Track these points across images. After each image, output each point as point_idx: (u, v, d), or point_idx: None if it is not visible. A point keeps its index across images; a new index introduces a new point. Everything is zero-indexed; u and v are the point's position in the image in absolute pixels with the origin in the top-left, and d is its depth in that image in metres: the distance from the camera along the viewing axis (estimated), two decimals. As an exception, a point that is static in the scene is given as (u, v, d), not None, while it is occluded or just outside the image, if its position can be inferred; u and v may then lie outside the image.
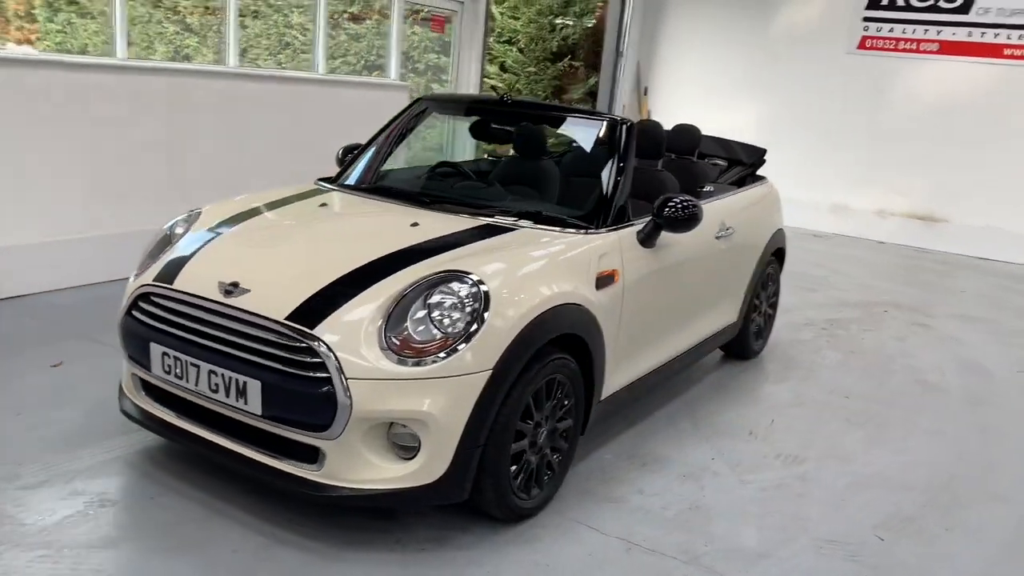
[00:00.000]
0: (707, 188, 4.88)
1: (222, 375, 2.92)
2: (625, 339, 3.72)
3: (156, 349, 3.09)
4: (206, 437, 3.09)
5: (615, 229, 3.68)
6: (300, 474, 2.89)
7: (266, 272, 3.11)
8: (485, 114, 4.52)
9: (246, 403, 2.90)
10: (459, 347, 2.85)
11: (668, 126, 4.99)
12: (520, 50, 12.79)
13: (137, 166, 5.87)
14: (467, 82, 9.10)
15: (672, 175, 4.74)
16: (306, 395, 2.80)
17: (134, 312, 3.24)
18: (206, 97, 6.23)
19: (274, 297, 2.95)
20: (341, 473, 2.84)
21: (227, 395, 2.94)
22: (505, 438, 3.01)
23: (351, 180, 4.17)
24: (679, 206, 3.74)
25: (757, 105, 11.25)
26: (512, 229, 3.52)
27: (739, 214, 4.85)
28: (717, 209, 4.57)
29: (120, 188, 5.79)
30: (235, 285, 3.03)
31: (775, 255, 5.43)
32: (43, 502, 3.07)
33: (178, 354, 3.03)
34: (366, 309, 2.90)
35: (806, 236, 10.08)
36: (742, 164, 5.52)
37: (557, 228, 3.56)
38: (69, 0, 17.74)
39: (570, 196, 4.04)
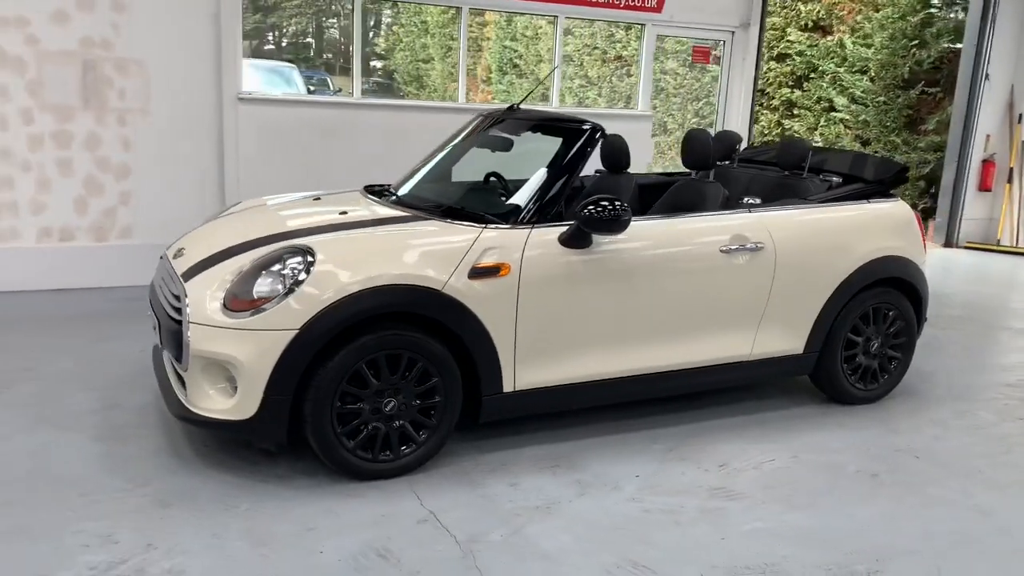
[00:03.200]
0: (748, 200, 4.48)
1: (158, 317, 3.82)
2: (534, 335, 3.77)
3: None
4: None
5: (525, 227, 3.78)
6: (179, 399, 3.64)
7: (204, 244, 3.93)
8: (491, 123, 4.75)
9: (161, 343, 3.76)
10: (267, 307, 3.36)
11: None
12: (871, 79, 11.80)
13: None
14: (737, 114, 8.88)
15: (721, 186, 4.51)
16: (174, 333, 3.56)
17: None
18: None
19: (190, 260, 3.77)
20: (195, 400, 3.52)
21: (157, 335, 3.83)
22: (325, 395, 3.41)
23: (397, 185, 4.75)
24: (597, 207, 3.70)
25: None
26: (412, 220, 3.86)
27: (795, 232, 4.36)
28: (733, 222, 4.22)
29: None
30: (181, 251, 3.92)
31: (890, 285, 4.66)
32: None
33: (154, 299, 4.00)
34: (226, 270, 3.56)
35: None
36: (863, 181, 4.84)
37: (470, 223, 3.78)
38: (512, 65, 20.91)
39: (505, 196, 4.17)
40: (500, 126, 4.56)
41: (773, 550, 3.20)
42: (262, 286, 3.44)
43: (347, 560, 3.00)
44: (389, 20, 27.48)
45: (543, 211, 3.85)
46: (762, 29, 8.67)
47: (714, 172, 5.36)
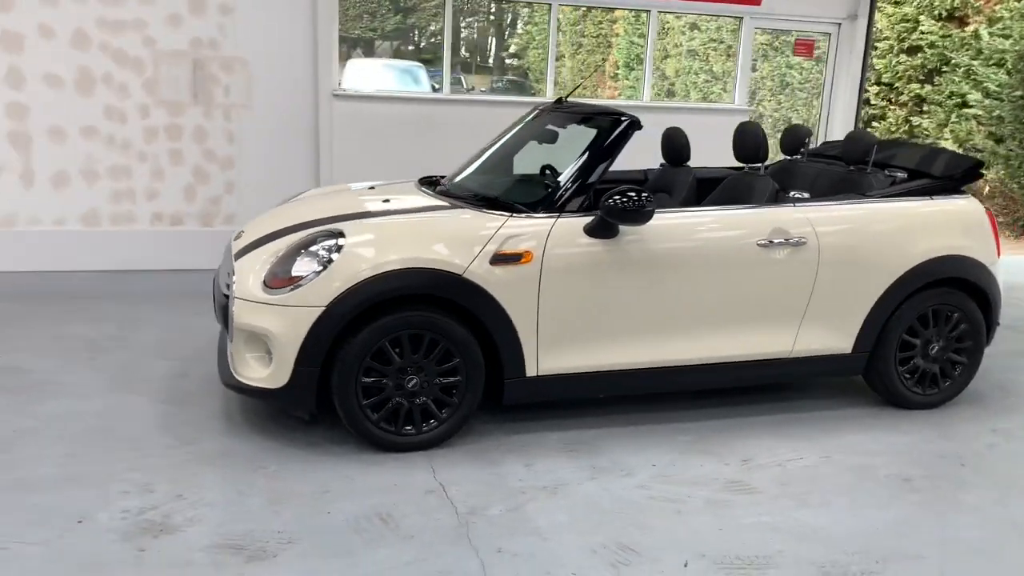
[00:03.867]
0: (795, 194, 4.38)
1: (215, 295, 4.17)
2: (557, 322, 3.87)
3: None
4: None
5: (551, 216, 3.88)
6: (228, 368, 3.96)
7: (259, 228, 4.24)
8: (542, 116, 4.82)
9: (217, 318, 4.11)
10: (302, 285, 3.62)
11: None
12: (1008, 72, 11.04)
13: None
14: (842, 109, 8.55)
15: (771, 180, 4.46)
16: (224, 307, 3.89)
17: None
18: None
19: (244, 242, 4.10)
20: (238, 369, 3.83)
21: (215, 311, 4.19)
22: (350, 369, 3.64)
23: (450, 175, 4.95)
24: (621, 198, 3.77)
25: None
26: (446, 208, 4.04)
27: (842, 228, 4.25)
28: (773, 216, 4.16)
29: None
30: (240, 234, 4.26)
31: (954, 286, 4.46)
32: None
33: (217, 279, 4.37)
34: (270, 250, 3.86)
35: None
36: (930, 176, 4.63)
37: (499, 212, 3.92)
38: (639, 61, 20.99)
39: (541, 186, 4.25)
40: (549, 118, 4.66)
41: (769, 544, 3.18)
42: (299, 266, 3.70)
43: (350, 521, 3.21)
44: (524, 19, 27.89)
45: (570, 201, 3.94)
46: (871, 22, 8.32)
47: (781, 167, 5.29)
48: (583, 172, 4.01)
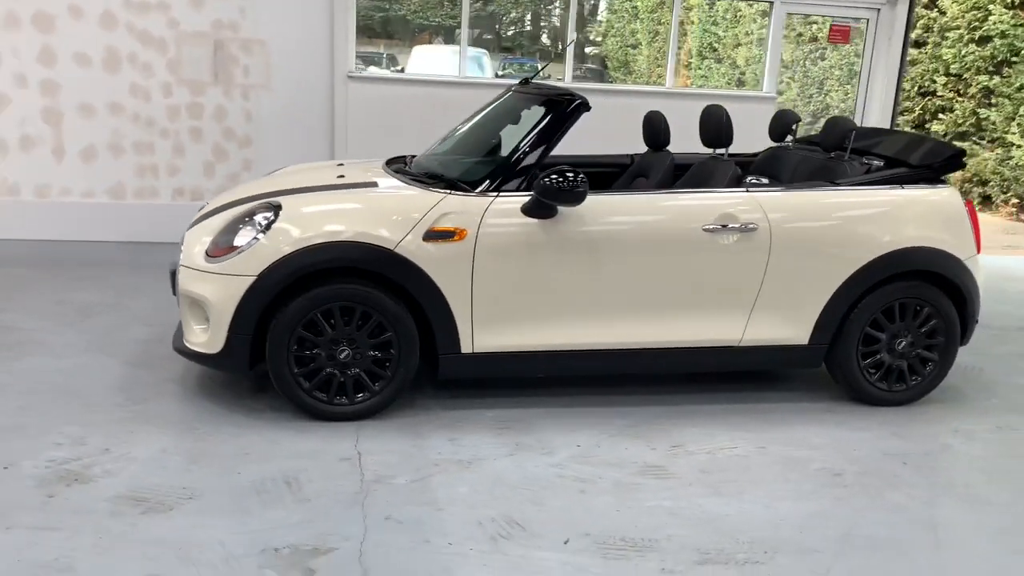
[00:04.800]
0: (752, 179, 4.29)
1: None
2: (492, 300, 3.89)
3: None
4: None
5: (489, 195, 3.91)
6: (180, 334, 4.13)
7: (219, 200, 4.40)
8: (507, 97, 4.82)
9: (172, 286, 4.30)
10: (234, 256, 3.75)
11: None
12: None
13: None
14: (879, 98, 8.21)
15: (733, 165, 4.38)
16: (173, 274, 4.06)
17: None
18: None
19: (201, 214, 4.27)
20: (186, 335, 4.00)
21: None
22: (282, 337, 3.76)
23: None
24: (555, 178, 3.77)
25: None
26: (393, 185, 4.11)
27: (797, 215, 4.14)
28: (721, 201, 4.08)
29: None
30: (203, 207, 4.44)
31: (924, 279, 4.28)
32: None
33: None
34: (216, 222, 4.00)
35: None
36: (907, 165, 4.45)
37: (443, 190, 3.97)
38: (712, 49, 20.71)
39: (486, 165, 4.25)
40: (515, 99, 4.67)
41: (661, 529, 3.15)
42: (239, 237, 3.84)
43: (256, 483, 3.33)
44: (604, 7, 27.72)
45: (510, 180, 3.96)
46: (911, 7, 7.96)
47: (771, 153, 5.17)
48: (524, 152, 4.02)
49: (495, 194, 3.93)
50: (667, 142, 5.04)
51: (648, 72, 22.34)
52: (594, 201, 3.97)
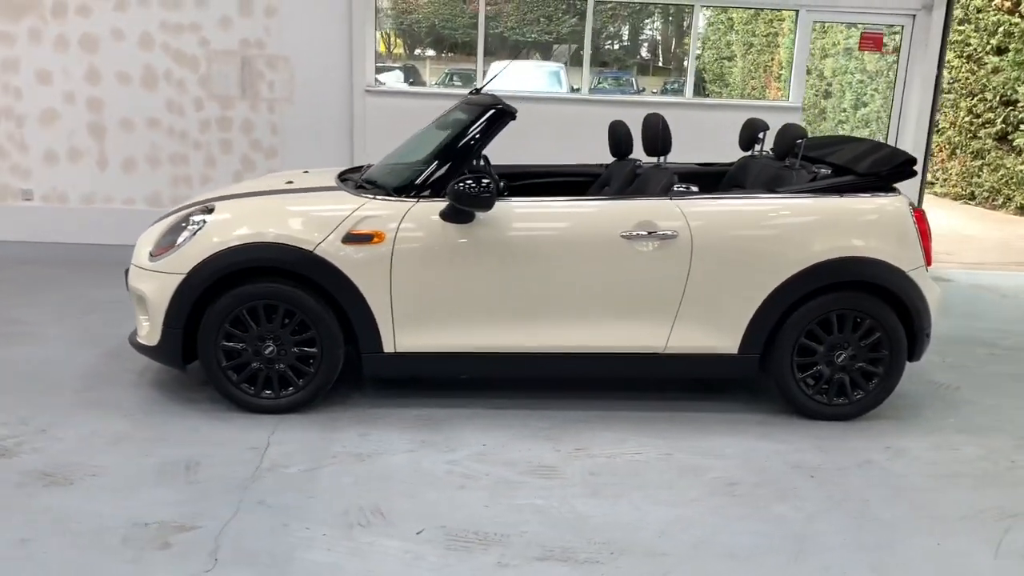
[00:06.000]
0: (680, 187, 4.26)
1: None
2: (411, 301, 4.04)
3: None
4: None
5: (409, 200, 4.06)
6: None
7: (187, 202, 4.72)
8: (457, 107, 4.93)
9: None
10: (169, 255, 4.04)
11: None
12: None
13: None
14: (916, 109, 7.85)
15: (670, 173, 4.40)
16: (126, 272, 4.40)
17: None
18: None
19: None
20: (138, 329, 4.33)
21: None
22: (210, 333, 4.02)
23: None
24: (464, 184, 3.89)
25: None
26: (325, 191, 4.31)
27: (721, 222, 4.11)
28: (641, 207, 4.09)
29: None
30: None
31: (863, 291, 4.16)
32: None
33: None
34: (169, 222, 4.31)
35: None
36: (854, 173, 4.32)
37: (363, 195, 4.16)
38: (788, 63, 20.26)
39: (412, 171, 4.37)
40: (460, 108, 4.80)
41: (518, 526, 3.21)
42: (179, 237, 4.13)
43: (159, 465, 3.58)
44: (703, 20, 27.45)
45: (429, 186, 4.09)
46: (948, 13, 7.62)
47: (742, 163, 5.13)
48: (446, 158, 4.15)
49: (415, 200, 4.08)
50: (629, 151, 5.06)
51: (743, 84, 21.99)
52: (512, 206, 4.07)
